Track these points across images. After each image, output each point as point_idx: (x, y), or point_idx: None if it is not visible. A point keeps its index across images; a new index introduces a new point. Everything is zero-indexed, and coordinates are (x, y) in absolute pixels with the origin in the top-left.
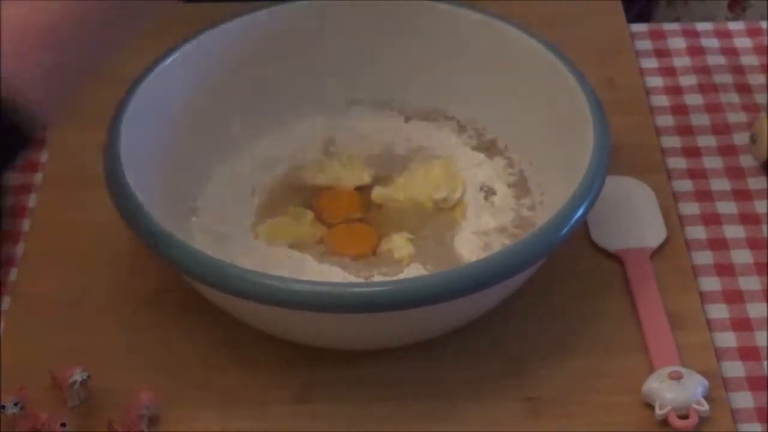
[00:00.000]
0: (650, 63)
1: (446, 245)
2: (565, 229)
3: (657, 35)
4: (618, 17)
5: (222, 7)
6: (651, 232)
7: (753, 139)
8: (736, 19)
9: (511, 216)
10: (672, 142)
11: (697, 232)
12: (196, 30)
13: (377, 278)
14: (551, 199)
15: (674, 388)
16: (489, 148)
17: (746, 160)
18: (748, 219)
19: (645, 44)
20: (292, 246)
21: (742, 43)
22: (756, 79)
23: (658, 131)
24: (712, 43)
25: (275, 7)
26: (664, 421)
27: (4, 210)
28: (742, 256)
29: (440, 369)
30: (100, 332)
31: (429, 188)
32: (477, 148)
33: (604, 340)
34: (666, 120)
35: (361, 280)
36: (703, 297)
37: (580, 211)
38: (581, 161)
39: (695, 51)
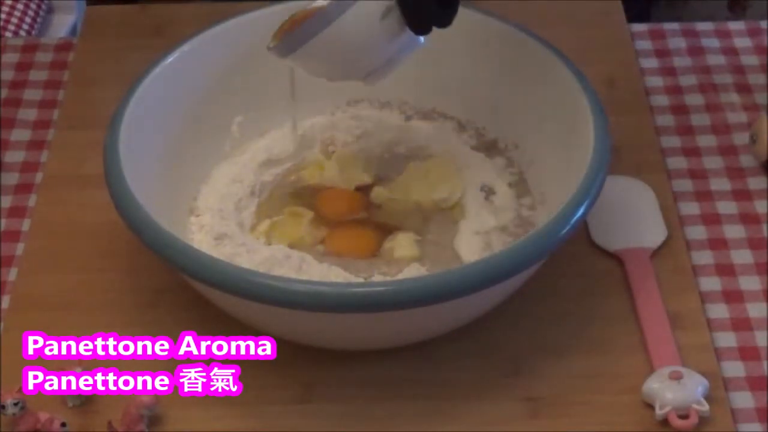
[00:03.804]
0: (650, 63)
1: (446, 245)
2: (565, 229)
3: (657, 35)
4: (618, 17)
5: (222, 7)
6: (651, 232)
7: (753, 139)
8: (736, 19)
9: (511, 216)
10: (672, 142)
11: (697, 232)
12: (196, 30)
13: (377, 278)
14: (551, 199)
15: (674, 388)
16: (489, 148)
17: (746, 160)
18: (748, 219)
19: (645, 44)
20: (292, 246)
21: (742, 43)
22: (756, 79)
23: (658, 131)
24: (712, 43)
25: (275, 7)
26: (664, 421)
27: None
28: (742, 256)
29: (440, 369)
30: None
31: (429, 188)
32: (477, 148)
33: (604, 340)
34: (666, 120)
35: (361, 280)
36: (703, 297)
37: (580, 211)
38: (581, 161)
39: (695, 51)
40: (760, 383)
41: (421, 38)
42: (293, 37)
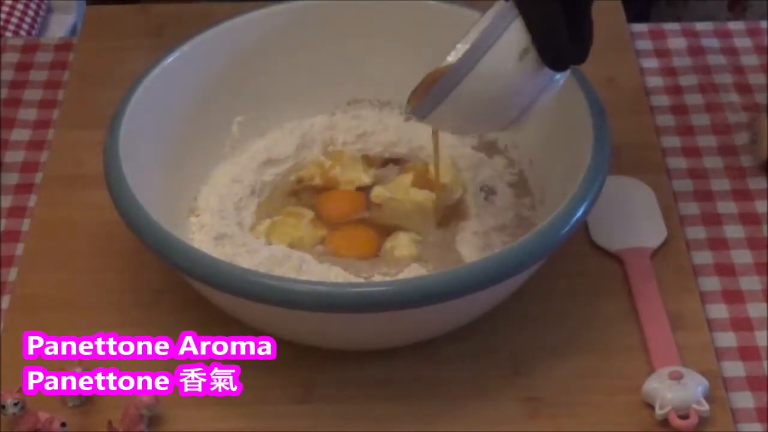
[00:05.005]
0: (650, 63)
1: (446, 245)
2: (565, 229)
3: (657, 35)
4: (618, 17)
5: (222, 7)
6: (651, 232)
7: (753, 139)
8: (736, 19)
9: (511, 216)
10: (672, 142)
11: (697, 232)
12: (196, 30)
13: (377, 278)
14: (551, 199)
15: (674, 388)
16: (489, 148)
17: (746, 160)
18: (748, 219)
19: (645, 44)
20: (292, 246)
21: (742, 43)
22: (756, 79)
23: (658, 131)
24: (712, 43)
25: (275, 7)
26: (664, 421)
27: None
28: (742, 256)
29: (440, 369)
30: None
31: (429, 188)
32: (477, 148)
33: (604, 340)
34: (666, 120)
35: (361, 280)
36: (703, 297)
37: (580, 211)
38: (581, 161)
39: (695, 51)
40: (760, 383)
41: (559, 78)
42: (429, 97)
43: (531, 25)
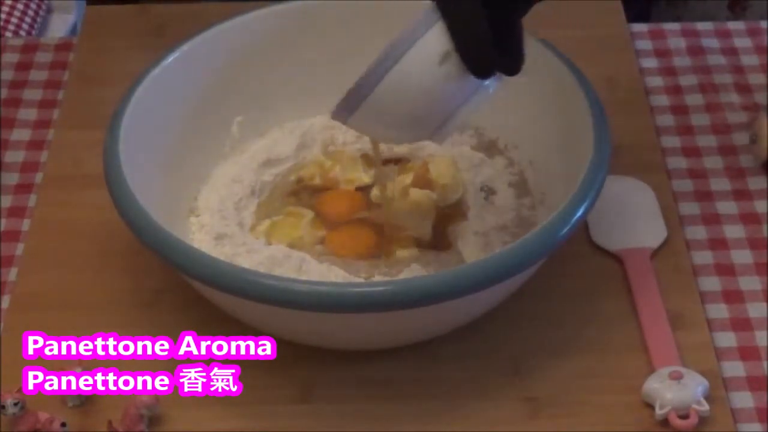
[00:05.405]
0: (650, 63)
1: (446, 245)
2: (565, 229)
3: (657, 35)
4: (618, 17)
5: (222, 7)
6: (651, 232)
7: (753, 139)
8: (736, 19)
9: (512, 216)
10: (672, 142)
11: (697, 232)
12: (196, 30)
13: (377, 278)
14: (551, 199)
15: (674, 388)
16: (489, 148)
17: (746, 160)
18: (748, 219)
19: (645, 44)
20: (292, 246)
21: (742, 43)
22: (756, 79)
23: (658, 131)
24: (712, 43)
25: (275, 7)
26: (664, 421)
27: None
28: (742, 256)
29: (440, 369)
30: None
31: (429, 188)
32: (477, 148)
33: (604, 340)
34: (666, 120)
35: (361, 280)
36: (703, 297)
37: (580, 211)
38: (581, 161)
39: (695, 51)
40: (760, 383)
41: (489, 85)
42: (348, 99)
43: (450, 27)
